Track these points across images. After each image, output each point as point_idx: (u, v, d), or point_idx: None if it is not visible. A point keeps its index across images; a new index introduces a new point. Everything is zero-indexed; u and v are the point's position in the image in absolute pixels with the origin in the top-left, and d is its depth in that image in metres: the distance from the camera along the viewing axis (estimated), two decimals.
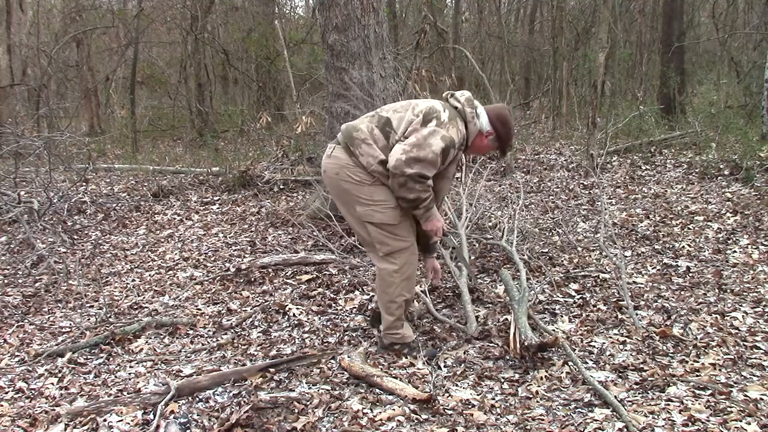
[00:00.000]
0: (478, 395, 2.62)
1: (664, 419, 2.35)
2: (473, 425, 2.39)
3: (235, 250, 5.01)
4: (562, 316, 3.38)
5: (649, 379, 2.65)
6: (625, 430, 2.29)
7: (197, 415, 2.55)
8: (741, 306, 3.39)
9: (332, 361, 2.99)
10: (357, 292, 3.90)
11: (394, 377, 2.75)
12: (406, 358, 2.99)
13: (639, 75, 12.20)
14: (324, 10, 5.08)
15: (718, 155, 6.82)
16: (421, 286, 3.63)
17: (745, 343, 2.95)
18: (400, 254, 2.87)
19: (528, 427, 2.37)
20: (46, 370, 3.08)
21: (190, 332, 3.51)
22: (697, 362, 2.79)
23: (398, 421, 2.44)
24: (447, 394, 2.63)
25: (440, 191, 3.00)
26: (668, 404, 2.45)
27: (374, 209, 2.82)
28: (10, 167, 6.60)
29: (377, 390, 2.68)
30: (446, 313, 3.46)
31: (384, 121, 2.82)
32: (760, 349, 2.89)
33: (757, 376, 2.64)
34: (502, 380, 2.75)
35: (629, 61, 12.48)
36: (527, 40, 14.95)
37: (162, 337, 3.45)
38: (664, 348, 2.95)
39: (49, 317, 3.84)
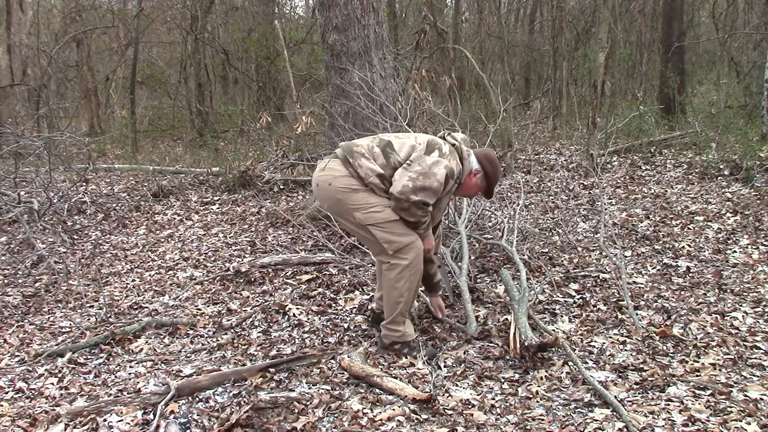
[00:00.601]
0: (478, 395, 2.62)
1: (664, 419, 2.35)
2: (473, 425, 2.39)
3: (235, 250, 5.01)
4: (562, 316, 3.38)
5: (649, 379, 2.65)
6: (625, 430, 2.29)
7: (197, 415, 2.55)
8: (741, 306, 3.39)
9: (332, 361, 2.99)
10: (357, 292, 3.90)
11: (394, 377, 2.75)
12: (406, 358, 2.99)
13: (639, 75, 12.19)
14: (324, 10, 5.09)
15: (718, 155, 6.82)
16: (421, 286, 3.63)
17: (745, 343, 2.95)
18: (409, 249, 2.89)
19: (528, 427, 2.37)
20: (46, 370, 3.08)
21: (190, 332, 3.51)
22: (697, 362, 2.79)
23: (398, 421, 2.44)
24: (447, 394, 2.63)
25: (432, 220, 3.06)
26: (668, 404, 2.45)
27: (372, 211, 2.86)
28: (10, 167, 6.60)
29: (377, 390, 2.68)
30: (447, 313, 3.46)
31: (385, 143, 2.93)
32: (760, 349, 2.90)
33: (757, 376, 2.64)
34: (502, 380, 2.75)
35: (629, 61, 12.47)
36: (527, 40, 14.95)
37: (162, 337, 3.45)
38: (664, 348, 2.95)
39: (49, 317, 3.84)
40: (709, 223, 4.88)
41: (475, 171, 3.01)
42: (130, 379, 2.96)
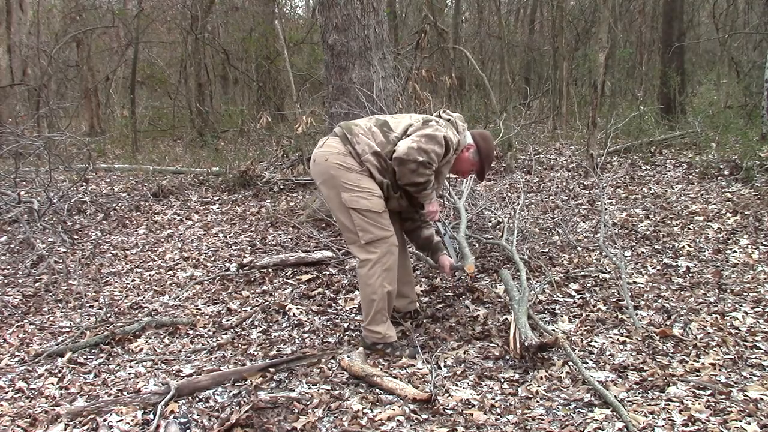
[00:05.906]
0: (478, 395, 2.62)
1: (664, 419, 2.35)
2: (473, 425, 2.39)
3: (235, 250, 5.01)
4: (562, 316, 3.38)
5: (649, 379, 2.65)
6: (625, 430, 2.29)
7: (197, 415, 2.55)
8: (741, 306, 3.39)
9: (332, 361, 3.00)
10: (357, 292, 3.90)
11: (394, 377, 2.75)
12: (389, 357, 2.99)
13: (639, 75, 12.19)
14: (324, 10, 5.08)
15: (718, 155, 6.82)
16: (425, 253, 3.62)
17: (745, 343, 2.95)
18: (381, 243, 2.93)
19: (528, 427, 2.37)
20: (46, 370, 3.08)
21: (190, 332, 3.51)
22: (697, 362, 2.79)
23: (398, 421, 2.44)
24: (447, 394, 2.63)
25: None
26: (668, 404, 2.45)
27: (360, 195, 2.90)
28: (10, 167, 6.59)
29: (377, 390, 2.68)
30: (446, 313, 3.46)
31: (382, 122, 3.03)
32: (760, 349, 2.90)
33: (757, 376, 2.64)
34: (502, 380, 2.75)
35: (629, 61, 12.47)
36: (527, 40, 14.94)
37: (162, 337, 3.45)
38: (664, 348, 2.95)
39: (49, 317, 3.84)
40: (709, 223, 4.88)
41: (468, 146, 3.11)
42: (130, 379, 2.96)
